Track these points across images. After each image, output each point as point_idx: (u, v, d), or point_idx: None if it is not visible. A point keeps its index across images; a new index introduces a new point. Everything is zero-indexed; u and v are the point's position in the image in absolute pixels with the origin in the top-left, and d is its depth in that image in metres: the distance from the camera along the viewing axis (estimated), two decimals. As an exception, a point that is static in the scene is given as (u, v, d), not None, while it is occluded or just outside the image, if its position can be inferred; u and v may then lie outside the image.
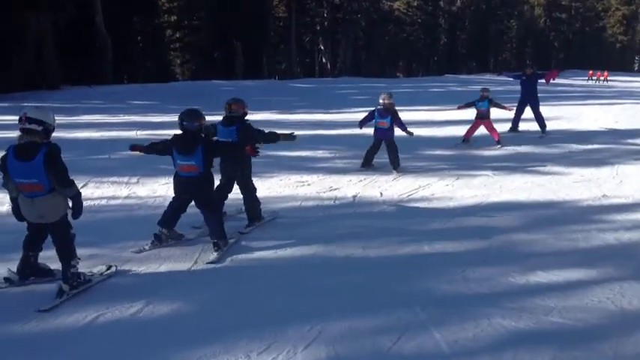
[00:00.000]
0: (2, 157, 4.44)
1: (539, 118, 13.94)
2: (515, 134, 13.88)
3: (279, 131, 6.81)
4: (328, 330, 3.99)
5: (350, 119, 17.32)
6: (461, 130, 14.45)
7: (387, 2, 47.50)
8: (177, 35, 40.18)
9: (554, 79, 14.78)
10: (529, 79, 13.98)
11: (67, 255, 4.54)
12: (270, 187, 8.26)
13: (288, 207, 7.36)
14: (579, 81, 45.01)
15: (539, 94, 14.18)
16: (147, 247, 5.59)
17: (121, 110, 18.26)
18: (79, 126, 13.83)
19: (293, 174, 9.14)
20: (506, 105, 12.84)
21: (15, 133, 4.51)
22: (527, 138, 13.54)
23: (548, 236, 6.32)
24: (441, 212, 7.28)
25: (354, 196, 7.95)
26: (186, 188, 5.60)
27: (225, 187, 6.52)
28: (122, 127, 14.03)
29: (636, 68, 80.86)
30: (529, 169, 10.11)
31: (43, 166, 4.28)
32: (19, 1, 21.38)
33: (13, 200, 4.57)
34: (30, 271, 4.69)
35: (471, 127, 12.63)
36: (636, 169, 10.04)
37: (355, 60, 47.91)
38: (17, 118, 4.38)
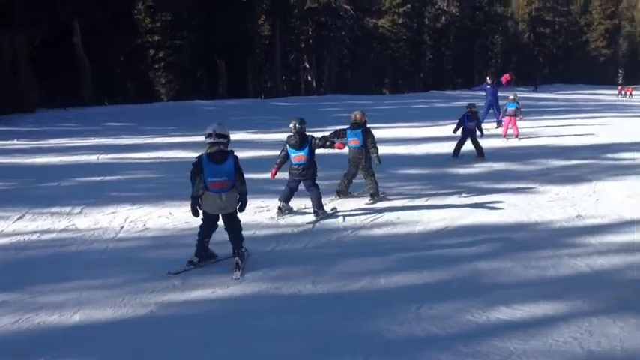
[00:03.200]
0: (197, 162, 5.69)
1: (499, 114, 17.35)
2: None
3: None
4: (250, 387, 3.50)
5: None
6: (438, 148, 14.18)
7: (372, 20, 47.33)
8: (161, 55, 39.72)
9: (509, 80, 18.71)
10: (492, 86, 17.86)
11: (239, 238, 5.88)
12: (225, 214, 7.77)
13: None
14: (563, 95, 44.95)
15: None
16: (275, 216, 7.77)
17: (93, 133, 17.71)
18: (41, 151, 13.31)
19: (255, 199, 8.53)
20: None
21: None
22: (505, 155, 13.17)
23: (515, 264, 5.88)
24: (404, 239, 6.83)
25: (314, 223, 7.47)
26: (298, 172, 7.77)
27: (352, 174, 9.03)
28: (87, 151, 13.49)
29: (620, 81, 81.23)
30: (503, 187, 9.69)
31: (232, 167, 5.61)
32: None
33: (195, 198, 5.71)
34: (205, 253, 5.87)
35: (504, 125, 15.56)
36: (613, 187, 9.63)
37: (341, 77, 47.64)
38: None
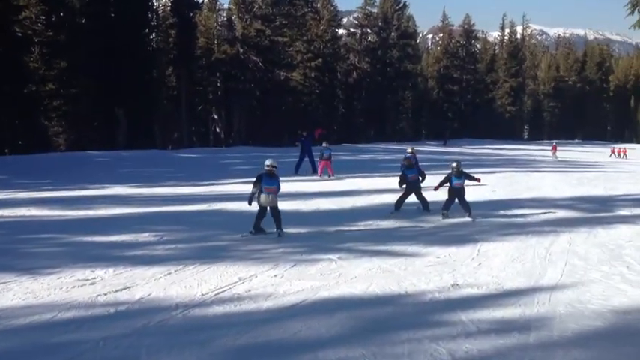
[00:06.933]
0: (259, 176, 9.58)
1: (313, 163, 20.47)
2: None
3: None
4: None
5: (218, 192, 15.73)
6: (329, 203, 13.31)
7: (283, 72, 46.95)
8: (56, 104, 37.43)
9: (320, 134, 23.08)
10: (306, 139, 21.08)
11: (280, 220, 9.59)
12: (32, 290, 6.29)
13: (27, 324, 5.35)
14: (470, 150, 45.95)
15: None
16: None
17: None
18: None
19: (84, 267, 7.22)
20: None
21: None
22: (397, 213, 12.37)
23: (365, 352, 4.80)
24: (245, 319, 5.61)
25: (140, 299, 6.13)
26: (413, 185, 12.33)
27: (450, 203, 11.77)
28: None
29: (526, 137, 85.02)
30: (382, 249, 8.77)
31: (278, 182, 9.66)
32: None
33: (253, 194, 9.58)
34: (259, 228, 9.64)
35: (320, 167, 19.57)
36: (500, 248, 8.90)
37: (252, 129, 46.68)
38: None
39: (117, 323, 5.38)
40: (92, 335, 5.07)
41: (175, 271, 7.25)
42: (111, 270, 7.14)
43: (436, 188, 12.11)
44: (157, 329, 5.28)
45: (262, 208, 9.60)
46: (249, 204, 9.67)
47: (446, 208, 11.74)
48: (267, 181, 9.48)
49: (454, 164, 11.86)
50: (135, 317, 5.56)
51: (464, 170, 12.03)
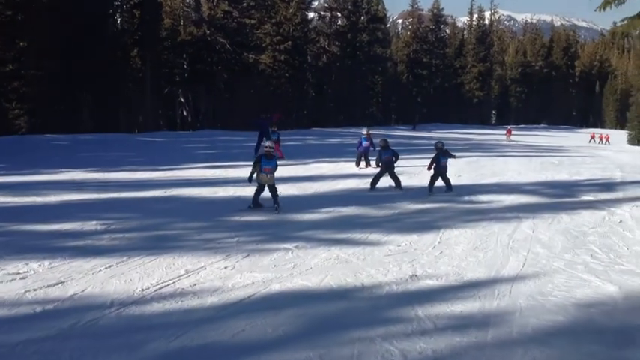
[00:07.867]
0: (258, 157, 10.52)
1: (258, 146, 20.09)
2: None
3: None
4: None
5: (176, 177, 15.18)
6: (288, 189, 12.88)
7: (251, 55, 46.05)
8: (16, 84, 36.09)
9: (278, 118, 23.40)
10: (264, 120, 21.52)
11: (276, 195, 10.43)
12: (-47, 286, 5.76)
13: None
14: (439, 134, 45.86)
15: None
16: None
17: None
18: None
19: (17, 260, 6.67)
20: None
21: None
22: (359, 197, 12.04)
23: (311, 354, 4.44)
24: (183, 318, 5.16)
25: (73, 295, 5.64)
26: (387, 166, 13.08)
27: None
28: None
29: (493, 122, 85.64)
30: (342, 237, 8.40)
31: (275, 163, 10.48)
32: None
33: (252, 173, 10.41)
34: (257, 203, 10.55)
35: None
36: (462, 235, 8.62)
37: (219, 113, 45.80)
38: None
39: (42, 323, 4.90)
40: (11, 338, 4.59)
41: (117, 263, 6.75)
42: (47, 263, 6.62)
43: (429, 168, 12.99)
44: (85, 330, 4.82)
45: (260, 186, 10.47)
46: (249, 181, 10.45)
47: (432, 185, 12.82)
48: (265, 161, 10.31)
49: (439, 144, 13.18)
50: (63, 316, 5.07)
51: (446, 149, 13.16)
